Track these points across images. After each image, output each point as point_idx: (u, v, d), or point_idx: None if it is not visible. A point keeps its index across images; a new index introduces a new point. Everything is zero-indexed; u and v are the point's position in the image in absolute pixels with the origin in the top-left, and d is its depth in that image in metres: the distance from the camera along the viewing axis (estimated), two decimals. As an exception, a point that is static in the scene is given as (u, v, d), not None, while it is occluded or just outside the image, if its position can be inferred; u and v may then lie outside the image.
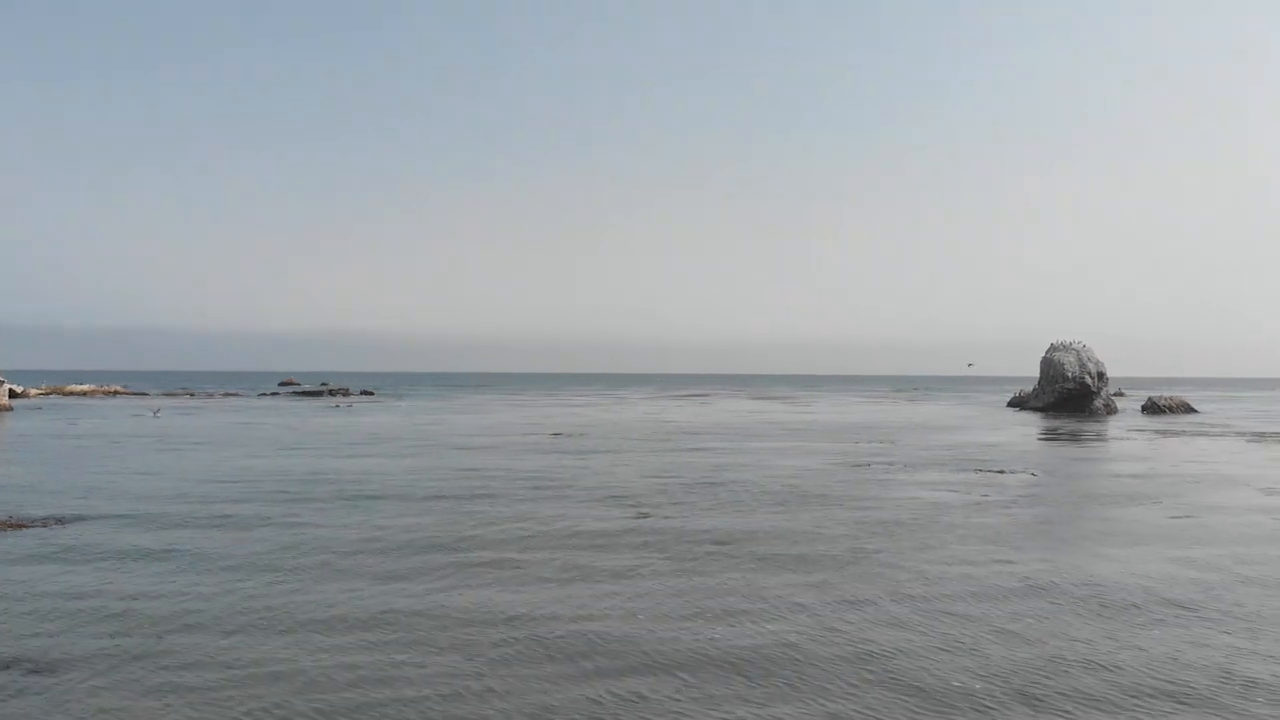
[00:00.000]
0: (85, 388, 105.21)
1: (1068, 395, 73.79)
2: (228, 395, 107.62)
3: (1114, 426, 57.80)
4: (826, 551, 16.86)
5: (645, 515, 20.95)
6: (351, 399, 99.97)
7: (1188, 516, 21.50)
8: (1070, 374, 73.78)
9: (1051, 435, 50.18)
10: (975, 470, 31.06)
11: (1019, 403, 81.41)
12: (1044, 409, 75.07)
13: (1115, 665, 10.57)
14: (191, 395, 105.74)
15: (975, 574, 15.10)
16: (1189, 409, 74.07)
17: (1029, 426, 57.79)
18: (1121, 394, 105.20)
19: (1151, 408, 73.64)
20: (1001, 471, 30.65)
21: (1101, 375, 74.48)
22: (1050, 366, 75.55)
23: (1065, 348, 75.37)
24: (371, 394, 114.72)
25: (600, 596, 13.45)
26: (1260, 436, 47.58)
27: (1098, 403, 73.35)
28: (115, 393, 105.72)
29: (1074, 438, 48.51)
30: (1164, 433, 51.84)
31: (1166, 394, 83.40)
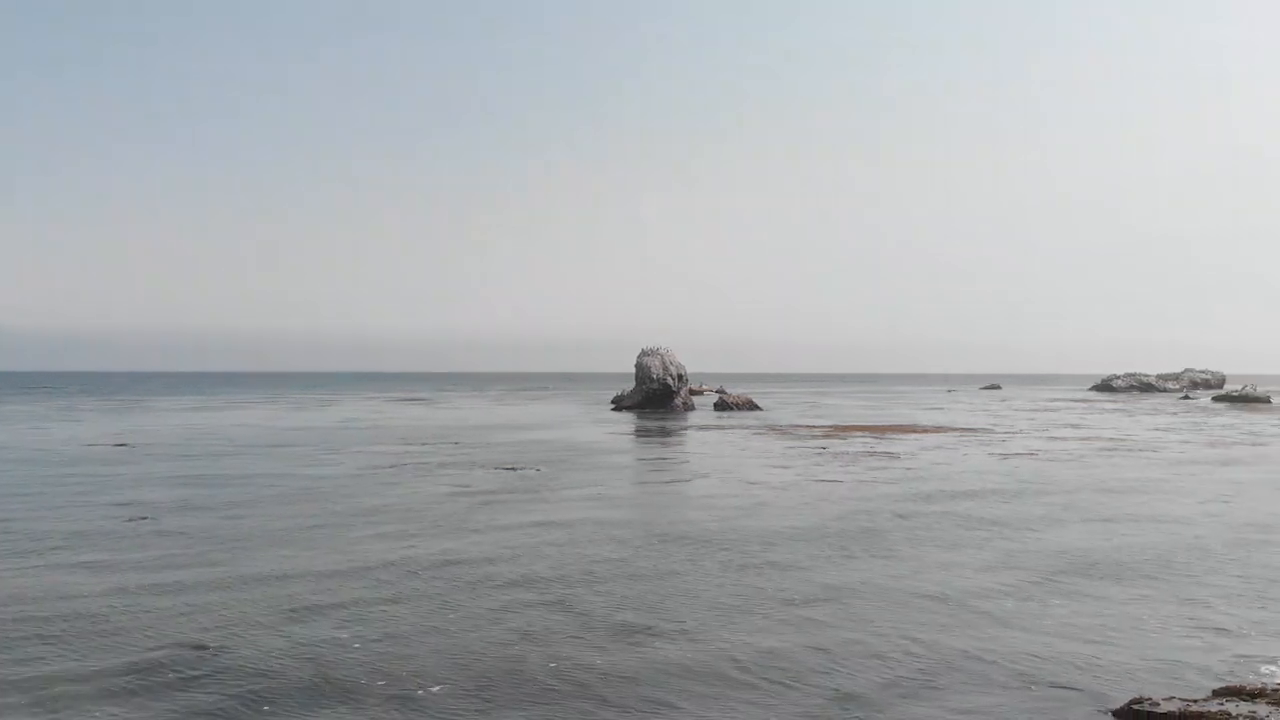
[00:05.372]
0: None
1: (653, 394, 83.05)
2: None
3: (675, 423, 66.52)
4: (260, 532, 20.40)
5: (144, 518, 23.41)
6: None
7: (608, 493, 27.35)
8: (655, 376, 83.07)
9: (615, 431, 57.16)
10: (496, 468, 35.86)
11: (617, 401, 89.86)
12: (634, 407, 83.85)
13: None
14: None
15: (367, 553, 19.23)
16: (753, 406, 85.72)
17: (608, 424, 65.00)
18: (722, 390, 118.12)
19: (721, 405, 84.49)
20: (513, 468, 35.73)
21: (681, 377, 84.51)
22: (640, 369, 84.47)
23: (653, 352, 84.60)
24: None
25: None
26: (763, 431, 57.27)
27: (677, 401, 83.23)
28: None
29: (631, 433, 55.82)
30: (704, 427, 60.83)
31: (735, 392, 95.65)
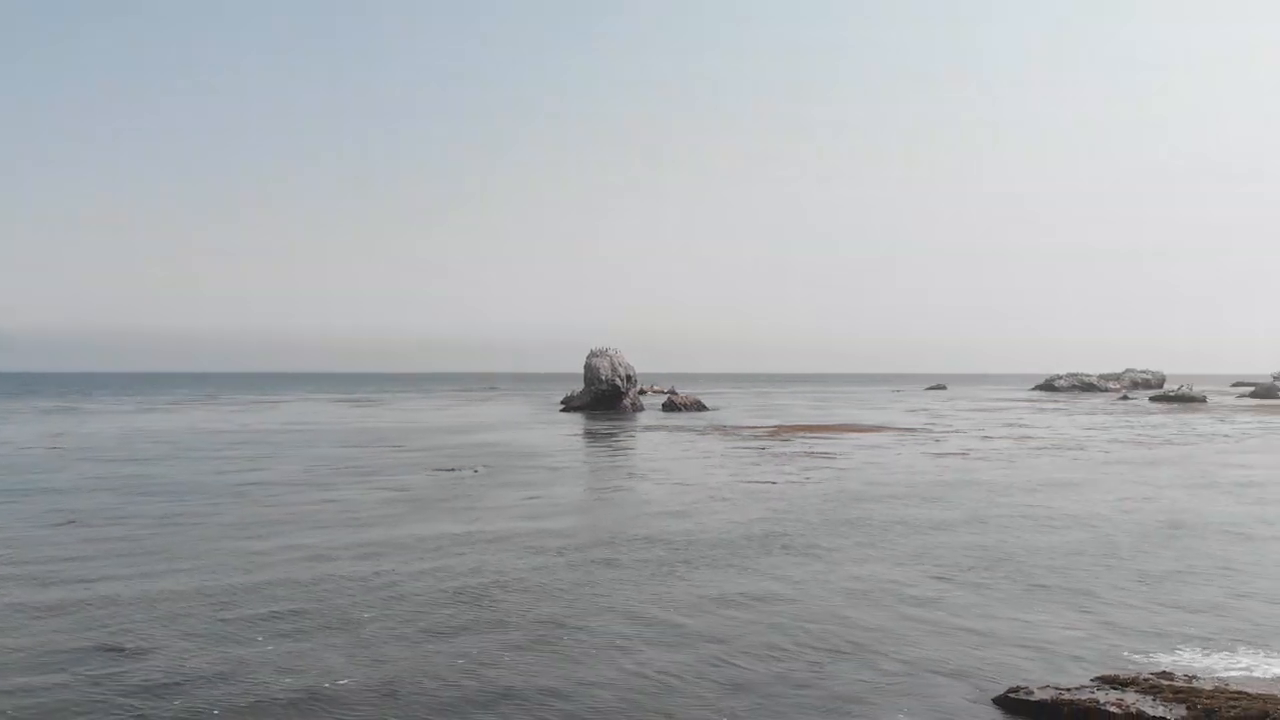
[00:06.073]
0: None
1: (602, 395, 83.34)
2: None
3: (622, 424, 66.83)
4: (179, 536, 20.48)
5: (73, 522, 23.31)
6: None
7: (541, 496, 27.67)
8: (604, 377, 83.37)
9: (561, 433, 57.32)
10: (435, 470, 35.90)
11: (566, 402, 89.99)
12: (583, 408, 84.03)
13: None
14: None
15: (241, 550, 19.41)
16: (701, 406, 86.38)
17: (555, 425, 65.06)
18: (672, 391, 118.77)
19: (669, 405, 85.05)
20: (451, 470, 35.87)
21: (630, 378, 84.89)
22: (589, 370, 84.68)
23: (601, 353, 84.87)
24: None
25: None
26: (708, 431, 57.88)
27: (626, 401, 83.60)
28: None
29: (576, 435, 56.07)
30: (650, 428, 61.27)
31: (685, 393, 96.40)
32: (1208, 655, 13.23)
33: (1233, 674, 12.38)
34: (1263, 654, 13.19)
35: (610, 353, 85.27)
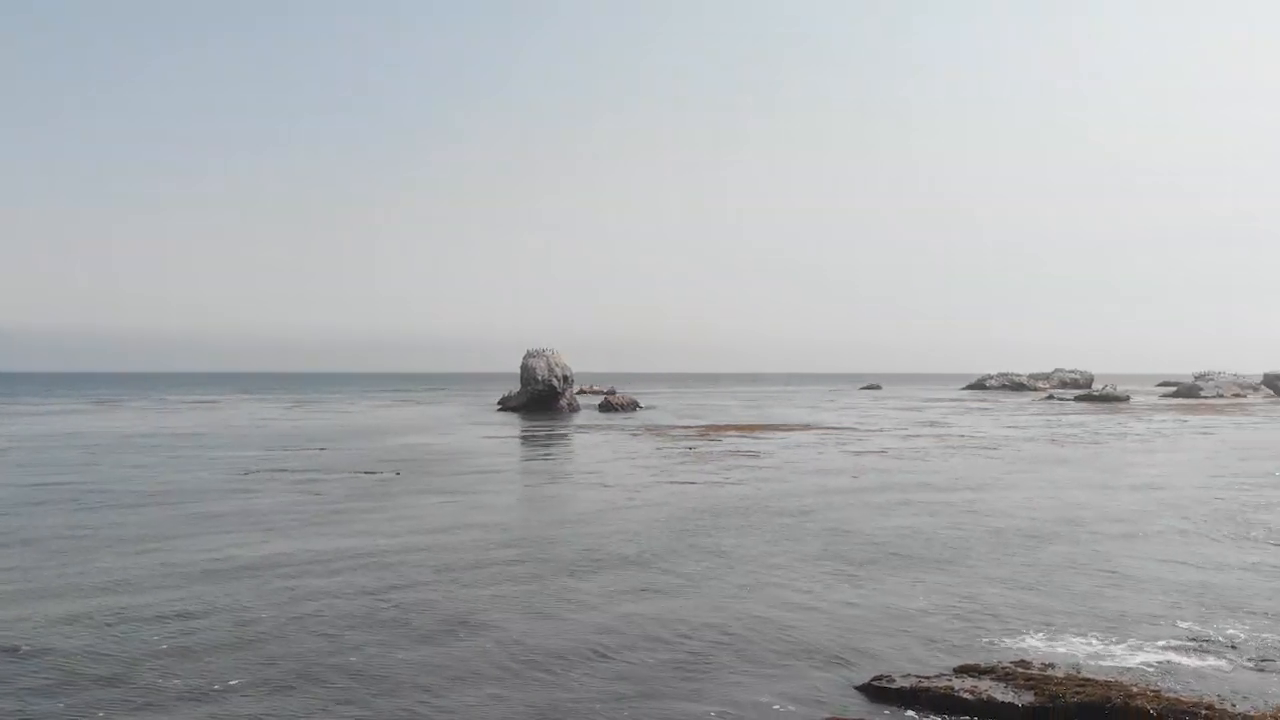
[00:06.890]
0: None
1: (538, 395, 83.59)
2: None
3: (556, 424, 67.22)
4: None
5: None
6: None
7: (457, 498, 27.99)
8: (540, 377, 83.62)
9: (492, 435, 57.52)
10: (354, 473, 35.90)
11: (503, 402, 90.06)
12: (520, 408, 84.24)
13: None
14: None
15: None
16: (637, 406, 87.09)
17: (488, 426, 65.17)
18: (610, 391, 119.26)
19: (605, 406, 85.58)
20: (372, 473, 35.90)
21: (567, 378, 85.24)
22: (525, 370, 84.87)
23: (538, 354, 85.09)
24: None
25: None
26: (640, 431, 58.51)
27: (562, 402, 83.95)
28: None
29: (508, 436, 56.30)
30: (583, 428, 61.78)
31: (621, 393, 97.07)
32: (1068, 644, 14.07)
33: (1088, 662, 13.20)
34: (1118, 643, 14.07)
35: (547, 353, 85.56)
